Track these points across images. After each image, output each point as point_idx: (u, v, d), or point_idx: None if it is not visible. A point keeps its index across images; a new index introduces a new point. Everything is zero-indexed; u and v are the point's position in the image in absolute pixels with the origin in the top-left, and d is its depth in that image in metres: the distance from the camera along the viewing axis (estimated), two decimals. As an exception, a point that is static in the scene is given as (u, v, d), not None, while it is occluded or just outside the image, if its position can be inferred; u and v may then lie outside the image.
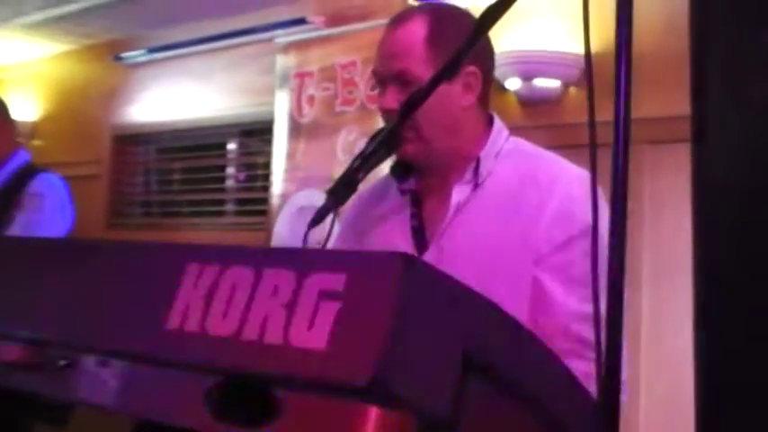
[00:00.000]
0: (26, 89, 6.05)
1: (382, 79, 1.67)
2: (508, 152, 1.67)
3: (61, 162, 5.42)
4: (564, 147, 1.80)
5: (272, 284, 0.79)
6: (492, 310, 0.83)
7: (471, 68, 1.64)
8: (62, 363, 0.98)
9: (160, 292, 0.88)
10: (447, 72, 1.40)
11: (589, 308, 1.49)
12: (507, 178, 1.64)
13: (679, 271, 3.13)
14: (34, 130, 5.94)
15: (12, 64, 6.15)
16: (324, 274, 0.77)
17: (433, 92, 1.42)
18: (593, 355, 1.46)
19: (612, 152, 1.09)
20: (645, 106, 3.19)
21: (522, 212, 1.58)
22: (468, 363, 0.80)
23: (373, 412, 0.74)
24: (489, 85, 1.71)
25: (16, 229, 3.22)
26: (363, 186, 1.66)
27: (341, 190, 1.56)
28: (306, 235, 1.53)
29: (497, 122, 1.71)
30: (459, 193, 1.64)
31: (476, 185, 1.64)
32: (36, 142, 5.90)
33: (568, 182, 1.59)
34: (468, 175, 1.64)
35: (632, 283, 3.20)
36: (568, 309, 1.53)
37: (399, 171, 1.72)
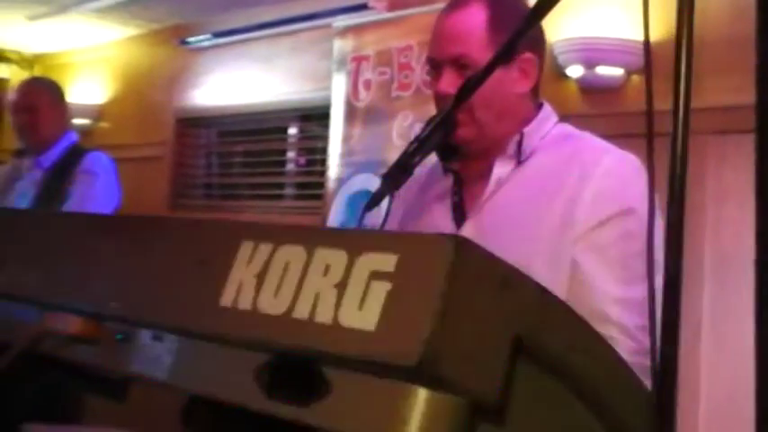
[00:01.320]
0: (94, 72, 6.17)
1: (438, 64, 1.67)
2: (555, 136, 1.66)
3: (126, 144, 5.54)
4: (625, 136, 1.78)
5: (324, 264, 0.80)
6: (543, 294, 0.83)
7: (528, 55, 1.64)
8: (119, 336, 1.00)
9: (215, 268, 0.89)
10: (503, 57, 1.39)
11: (629, 291, 1.48)
12: (551, 160, 1.62)
13: (743, 267, 3.06)
14: (101, 112, 6.06)
15: (81, 48, 6.27)
16: (375, 254, 0.77)
17: (489, 76, 1.41)
18: (629, 341, 1.45)
19: (671, 142, 1.07)
20: (709, 95, 3.13)
21: (563, 192, 1.56)
22: (518, 346, 0.80)
23: (421, 393, 0.74)
24: (542, 74, 1.70)
25: (71, 205, 3.36)
26: (420, 169, 1.66)
27: (396, 174, 1.56)
28: (361, 219, 1.54)
29: (546, 107, 1.70)
30: (500, 168, 1.63)
31: (518, 162, 1.63)
32: (103, 124, 6.02)
33: (611, 162, 1.57)
34: (511, 150, 1.63)
35: (693, 279, 3.14)
36: (604, 291, 1.50)
37: (446, 151, 1.72)
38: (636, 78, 3.48)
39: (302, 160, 5.15)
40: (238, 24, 5.15)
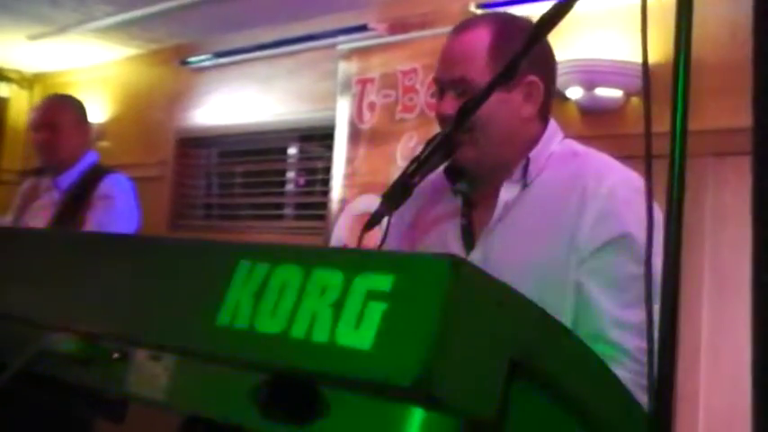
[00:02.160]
0: (94, 92, 6.18)
1: (442, 86, 1.68)
2: (560, 153, 1.66)
3: (126, 164, 5.52)
4: (625, 157, 1.78)
5: (321, 284, 0.80)
6: (540, 315, 0.83)
7: (533, 78, 1.63)
8: (115, 356, 0.99)
9: (212, 288, 0.89)
10: (502, 78, 1.39)
11: (628, 314, 1.48)
12: (555, 178, 1.62)
13: (741, 287, 3.06)
14: (101, 131, 6.06)
15: (81, 68, 6.29)
16: (371, 274, 0.77)
17: (488, 97, 1.41)
18: (630, 362, 1.45)
19: (669, 164, 1.07)
20: (708, 117, 3.14)
21: (567, 214, 1.56)
22: (515, 367, 0.80)
23: (417, 414, 0.74)
24: (550, 97, 1.70)
25: (88, 230, 3.25)
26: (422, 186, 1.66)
27: (395, 195, 1.56)
28: (360, 239, 1.54)
29: (552, 125, 1.69)
30: (507, 192, 1.63)
31: (525, 185, 1.63)
32: (103, 144, 6.02)
33: (612, 184, 1.56)
34: (518, 174, 1.63)
35: (692, 298, 3.14)
36: (606, 313, 1.50)
37: (453, 173, 1.72)
38: (635, 100, 3.49)
39: (302, 180, 5.16)
40: (239, 45, 5.17)
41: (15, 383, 1.14)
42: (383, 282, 0.76)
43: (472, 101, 1.47)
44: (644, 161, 1.10)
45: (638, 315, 1.45)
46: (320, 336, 0.78)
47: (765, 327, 1.00)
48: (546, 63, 1.68)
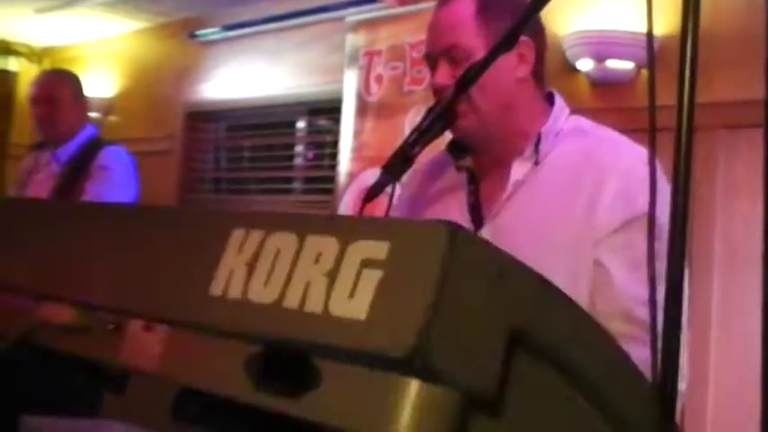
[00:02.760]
0: (103, 66, 6.16)
1: (433, 57, 1.65)
2: (569, 131, 1.63)
3: (135, 138, 5.52)
4: (636, 130, 1.75)
5: (315, 251, 0.78)
6: (542, 285, 0.80)
7: (524, 38, 1.61)
8: (110, 327, 0.98)
9: (206, 257, 0.87)
10: (507, 43, 1.37)
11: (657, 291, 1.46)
12: (568, 157, 1.60)
13: (753, 261, 3.03)
14: (110, 106, 6.05)
15: (89, 41, 6.26)
16: (367, 241, 0.75)
17: (491, 64, 1.39)
18: (651, 338, 1.43)
19: (675, 138, 1.04)
20: (720, 89, 3.10)
21: (582, 192, 1.54)
22: (516, 339, 0.77)
23: (413, 386, 0.72)
24: (542, 60, 1.68)
25: (86, 200, 3.31)
26: (421, 161, 1.64)
27: (396, 165, 1.54)
28: (360, 211, 1.52)
29: (559, 100, 1.67)
30: (518, 170, 1.60)
31: (536, 162, 1.60)
32: (112, 118, 6.01)
33: (631, 161, 1.54)
34: (529, 151, 1.60)
35: (703, 272, 3.11)
36: (630, 292, 1.48)
37: (456, 148, 1.70)
38: (646, 72, 3.45)
39: (310, 154, 5.14)
40: (247, 17, 5.13)
41: (13, 355, 1.13)
42: (378, 249, 0.73)
43: (472, 68, 1.45)
44: (650, 135, 1.08)
45: (662, 292, 1.44)
46: (314, 305, 0.75)
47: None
48: (535, 24, 1.66)
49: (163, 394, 1.00)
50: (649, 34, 1.10)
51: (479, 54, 1.49)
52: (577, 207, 1.54)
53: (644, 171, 1.57)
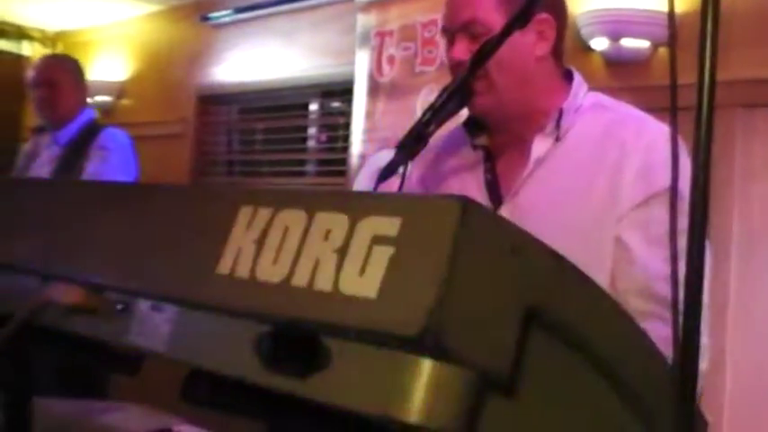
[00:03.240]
0: (115, 50, 6.14)
1: (451, 32, 1.63)
2: (588, 107, 1.61)
3: (147, 121, 5.52)
4: (652, 109, 1.72)
5: (325, 228, 0.76)
6: (557, 262, 0.78)
7: (544, 16, 1.58)
8: (119, 307, 0.96)
9: (214, 235, 0.85)
10: (520, 19, 1.34)
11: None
12: (589, 133, 1.57)
13: (771, 241, 3.00)
14: (122, 89, 6.04)
15: (101, 25, 6.24)
16: (378, 218, 0.73)
17: (505, 40, 1.36)
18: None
19: (696, 116, 1.02)
20: (738, 67, 3.05)
21: (604, 169, 1.52)
22: (531, 317, 0.75)
23: (425, 365, 0.70)
24: (563, 37, 1.65)
25: (90, 179, 3.36)
26: (432, 140, 1.62)
27: (411, 144, 1.52)
28: (375, 189, 1.50)
29: (577, 76, 1.65)
30: (539, 146, 1.58)
31: (557, 139, 1.58)
32: (124, 102, 6.00)
33: (652, 137, 1.51)
34: (550, 127, 1.58)
35: (720, 253, 3.07)
36: (651, 268, 1.46)
37: (472, 125, 1.68)
38: (662, 51, 3.40)
39: (323, 137, 5.11)
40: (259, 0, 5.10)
41: (24, 336, 1.12)
42: (389, 225, 0.71)
43: (487, 45, 1.42)
44: (670, 113, 1.05)
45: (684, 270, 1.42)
46: (323, 284, 0.73)
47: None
48: (556, 1, 1.63)
49: (171, 375, 0.99)
50: (671, 13, 1.08)
51: (498, 29, 1.47)
52: (599, 184, 1.52)
53: (666, 148, 1.55)
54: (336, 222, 0.75)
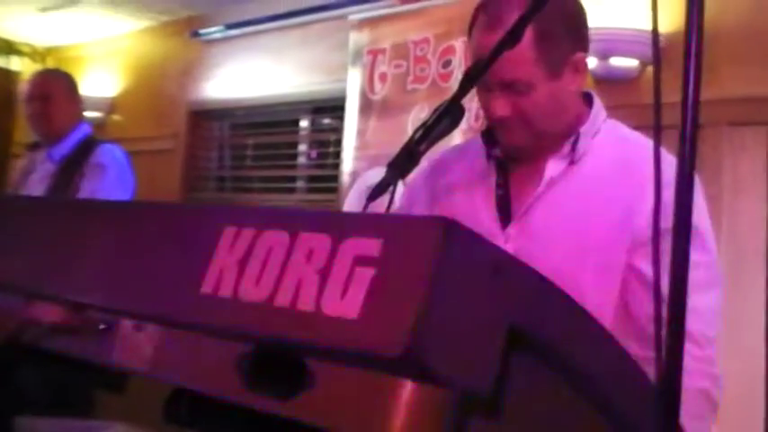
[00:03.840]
0: (106, 65, 6.15)
1: (489, 85, 1.56)
2: (606, 133, 1.61)
3: (138, 137, 5.51)
4: (641, 127, 1.73)
5: (307, 249, 0.76)
6: (541, 283, 0.78)
7: (579, 55, 1.58)
8: (101, 326, 0.96)
9: (197, 255, 0.85)
10: (510, 40, 1.34)
11: (692, 299, 1.44)
12: (605, 160, 1.58)
13: (759, 257, 3.00)
14: (113, 105, 6.03)
15: (92, 41, 6.25)
16: (360, 239, 0.73)
17: (494, 62, 1.36)
18: (693, 348, 1.42)
19: (680, 136, 1.03)
20: (727, 86, 3.07)
21: (620, 197, 1.53)
22: (513, 338, 0.75)
23: (407, 386, 0.70)
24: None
25: (76, 197, 3.30)
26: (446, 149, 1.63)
27: (402, 163, 1.51)
28: (365, 209, 1.49)
29: (597, 102, 1.65)
30: (553, 168, 1.58)
31: (571, 162, 1.58)
32: (115, 117, 6.00)
33: (671, 170, 1.52)
34: (566, 149, 1.58)
35: (709, 269, 3.08)
36: (666, 296, 1.46)
37: (490, 136, 1.67)
38: (651, 69, 3.41)
39: (314, 153, 5.11)
40: (250, 16, 5.11)
41: (7, 355, 1.11)
42: (371, 246, 0.71)
43: (479, 65, 1.42)
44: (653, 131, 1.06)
45: (702, 300, 1.43)
46: (306, 304, 0.73)
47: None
48: (586, 33, 1.64)
49: (154, 395, 0.98)
50: (655, 31, 1.09)
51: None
52: (613, 212, 1.52)
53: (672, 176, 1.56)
54: (319, 243, 0.75)
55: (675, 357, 0.89)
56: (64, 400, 1.84)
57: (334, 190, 4.32)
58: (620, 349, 0.88)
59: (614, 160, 1.57)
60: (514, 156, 1.66)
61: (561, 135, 1.60)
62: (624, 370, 0.88)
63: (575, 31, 1.58)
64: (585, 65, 1.61)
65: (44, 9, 5.58)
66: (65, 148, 3.51)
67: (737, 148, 3.12)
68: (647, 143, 1.61)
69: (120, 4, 5.39)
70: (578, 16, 1.63)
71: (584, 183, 1.57)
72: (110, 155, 3.49)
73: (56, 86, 3.60)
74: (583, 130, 1.59)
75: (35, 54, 6.61)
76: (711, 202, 3.06)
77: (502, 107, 1.56)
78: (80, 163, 3.44)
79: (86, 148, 3.49)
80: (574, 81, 1.59)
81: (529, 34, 1.55)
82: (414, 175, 1.81)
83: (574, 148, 1.58)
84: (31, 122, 3.63)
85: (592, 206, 1.54)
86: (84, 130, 3.61)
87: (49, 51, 6.64)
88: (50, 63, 6.49)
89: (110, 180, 3.41)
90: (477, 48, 1.60)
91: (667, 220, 1.47)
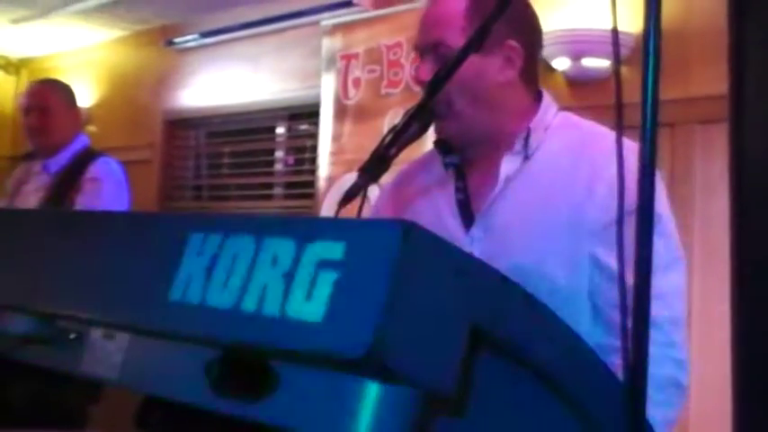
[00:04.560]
0: (80, 75, 6.12)
1: (421, 51, 1.65)
2: (558, 126, 1.62)
3: (115, 147, 5.47)
4: (613, 127, 1.75)
5: (272, 253, 0.77)
6: (503, 283, 0.79)
7: (512, 43, 1.60)
8: (72, 336, 0.96)
9: (165, 262, 0.86)
10: (474, 43, 1.36)
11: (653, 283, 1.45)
12: (558, 151, 1.59)
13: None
14: (89, 115, 6.01)
15: (66, 51, 6.23)
16: (323, 242, 0.74)
17: (461, 64, 1.38)
18: (656, 333, 1.43)
19: (640, 135, 1.05)
20: (696, 84, 3.10)
21: (575, 186, 1.53)
22: (476, 337, 0.77)
23: (371, 387, 0.71)
24: (535, 62, 1.67)
25: (48, 208, 3.26)
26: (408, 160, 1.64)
27: (373, 167, 1.52)
28: (337, 213, 1.50)
29: (546, 97, 1.66)
30: (508, 165, 1.59)
31: (525, 157, 1.59)
32: (91, 128, 5.97)
33: (625, 154, 1.53)
34: (518, 145, 1.59)
35: (683, 269, 3.11)
36: (626, 284, 1.47)
37: (444, 144, 1.69)
38: (623, 70, 3.44)
39: (291, 160, 5.12)
40: (225, 24, 5.11)
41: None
42: (334, 250, 0.72)
43: (443, 69, 1.43)
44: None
45: (661, 283, 1.44)
46: (271, 308, 0.74)
47: (743, 290, 0.98)
48: (528, 28, 1.65)
49: (128, 403, 0.99)
50: (614, 30, 1.11)
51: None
52: (571, 201, 1.53)
53: (636, 165, 1.57)
54: (283, 247, 0.76)
55: (641, 348, 0.91)
56: (38, 411, 1.84)
57: (312, 196, 4.32)
58: (585, 345, 0.90)
59: (567, 149, 1.58)
60: (460, 148, 1.66)
61: (507, 133, 1.61)
62: (590, 366, 0.90)
63: (512, 17, 1.56)
64: (519, 56, 1.61)
65: (17, 20, 5.56)
66: (62, 160, 3.48)
67: (709, 147, 3.15)
68: (597, 129, 1.62)
69: (93, 15, 5.38)
70: (522, 10, 1.64)
71: (539, 176, 1.58)
72: (106, 168, 3.45)
73: (54, 98, 3.57)
74: (532, 125, 1.60)
75: (9, 66, 6.59)
76: (684, 200, 3.12)
77: (426, 71, 1.58)
78: (76, 177, 3.39)
79: (83, 161, 3.45)
80: (503, 70, 1.60)
81: (462, 4, 1.59)
82: (379, 193, 1.84)
83: (526, 144, 1.59)
84: (28, 134, 3.56)
85: (550, 198, 1.55)
86: (82, 141, 3.58)
87: (23, 63, 6.61)
88: (25, 75, 6.46)
89: (104, 195, 3.37)
90: (422, 16, 1.65)
91: (627, 203, 1.48)
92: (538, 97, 1.66)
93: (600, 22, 3.41)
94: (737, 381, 0.93)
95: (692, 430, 3.10)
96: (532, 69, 1.66)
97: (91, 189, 3.35)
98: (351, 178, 3.89)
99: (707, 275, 3.11)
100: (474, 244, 1.57)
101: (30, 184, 3.57)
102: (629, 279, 1.43)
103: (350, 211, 1.51)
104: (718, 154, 3.12)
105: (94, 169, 3.42)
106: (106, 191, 3.39)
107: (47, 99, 3.55)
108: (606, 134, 1.60)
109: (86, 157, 3.49)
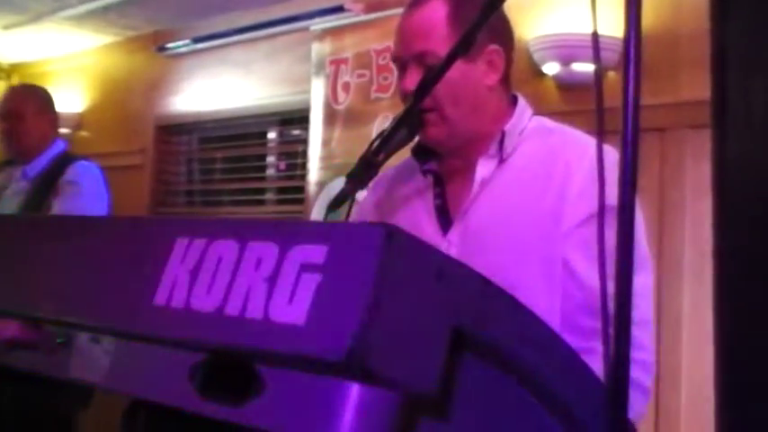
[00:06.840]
0: (72, 81, 6.12)
1: (403, 62, 1.65)
2: (532, 130, 1.64)
3: (106, 152, 5.48)
4: (603, 132, 1.75)
5: (256, 257, 0.77)
6: (485, 285, 0.80)
7: (494, 47, 1.61)
8: (59, 341, 0.97)
9: (150, 267, 0.87)
10: (461, 50, 1.37)
11: (610, 285, 1.45)
12: (533, 155, 1.60)
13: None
14: (80, 121, 6.01)
15: (57, 56, 6.22)
16: (306, 246, 0.74)
17: (447, 70, 1.39)
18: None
19: (621, 139, 1.06)
20: (686, 89, 3.12)
21: (549, 189, 1.54)
22: (459, 339, 0.77)
23: (353, 389, 0.71)
24: (511, 65, 1.68)
25: (34, 214, 3.25)
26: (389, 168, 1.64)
27: (360, 173, 1.53)
28: (325, 219, 1.51)
29: (521, 100, 1.68)
30: (483, 168, 1.60)
31: (500, 161, 1.60)
32: (82, 133, 5.97)
33: (595, 158, 1.54)
34: (493, 149, 1.60)
35: (674, 271, 3.12)
36: (595, 287, 1.48)
37: (421, 152, 1.70)
38: (612, 74, 3.46)
39: (282, 165, 5.12)
40: (216, 29, 5.12)
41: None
42: (317, 253, 0.73)
43: (431, 75, 1.44)
44: (598, 134, 1.09)
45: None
46: (254, 312, 0.75)
47: (726, 293, 0.98)
48: (505, 31, 1.67)
49: (113, 406, 0.99)
50: (595, 34, 1.12)
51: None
52: (545, 203, 1.54)
53: (609, 167, 1.58)
54: (266, 251, 0.77)
55: (623, 359, 0.91)
56: (25, 416, 1.84)
57: (303, 201, 4.33)
58: (567, 347, 0.91)
59: (542, 153, 1.60)
60: (442, 153, 1.67)
61: (484, 136, 1.62)
62: (571, 368, 0.91)
63: (491, 22, 1.56)
64: (501, 59, 1.63)
65: (7, 26, 5.56)
66: (38, 165, 3.47)
67: (699, 151, 3.16)
68: (571, 133, 1.64)
69: (85, 20, 5.38)
70: (500, 14, 1.65)
71: (514, 179, 1.59)
72: (84, 172, 3.43)
73: (27, 104, 3.54)
74: (507, 128, 1.61)
75: (0, 71, 6.58)
76: (675, 205, 3.13)
77: (412, 80, 1.58)
78: (54, 181, 3.38)
79: (61, 165, 3.44)
80: (487, 74, 1.62)
81: (442, 12, 1.60)
82: (362, 203, 1.84)
83: (501, 147, 1.60)
84: (2, 141, 3.58)
85: (525, 201, 1.56)
86: (59, 146, 3.57)
87: (15, 68, 6.61)
88: (16, 80, 6.45)
89: (84, 197, 3.36)
90: (399, 27, 1.66)
91: (593, 203, 1.49)
92: (513, 101, 1.68)
93: (589, 26, 3.41)
94: (720, 385, 0.94)
95: (684, 429, 3.11)
96: (508, 73, 1.68)
97: (69, 192, 3.34)
98: (340, 183, 3.91)
99: (698, 277, 3.12)
100: (451, 248, 1.58)
101: (9, 189, 3.57)
102: (597, 281, 1.44)
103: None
104: (709, 158, 3.13)
105: (72, 172, 3.40)
106: (86, 193, 3.38)
107: (17, 104, 3.54)
108: (579, 138, 1.62)
109: (64, 161, 3.48)
